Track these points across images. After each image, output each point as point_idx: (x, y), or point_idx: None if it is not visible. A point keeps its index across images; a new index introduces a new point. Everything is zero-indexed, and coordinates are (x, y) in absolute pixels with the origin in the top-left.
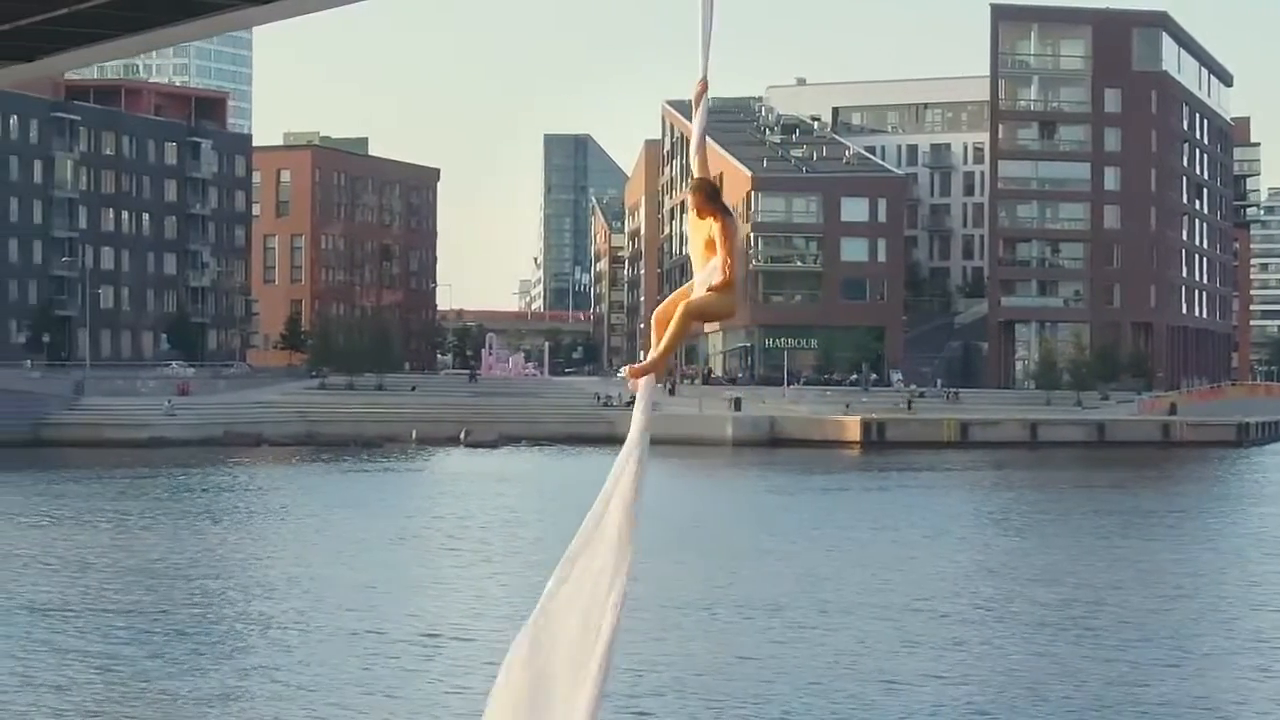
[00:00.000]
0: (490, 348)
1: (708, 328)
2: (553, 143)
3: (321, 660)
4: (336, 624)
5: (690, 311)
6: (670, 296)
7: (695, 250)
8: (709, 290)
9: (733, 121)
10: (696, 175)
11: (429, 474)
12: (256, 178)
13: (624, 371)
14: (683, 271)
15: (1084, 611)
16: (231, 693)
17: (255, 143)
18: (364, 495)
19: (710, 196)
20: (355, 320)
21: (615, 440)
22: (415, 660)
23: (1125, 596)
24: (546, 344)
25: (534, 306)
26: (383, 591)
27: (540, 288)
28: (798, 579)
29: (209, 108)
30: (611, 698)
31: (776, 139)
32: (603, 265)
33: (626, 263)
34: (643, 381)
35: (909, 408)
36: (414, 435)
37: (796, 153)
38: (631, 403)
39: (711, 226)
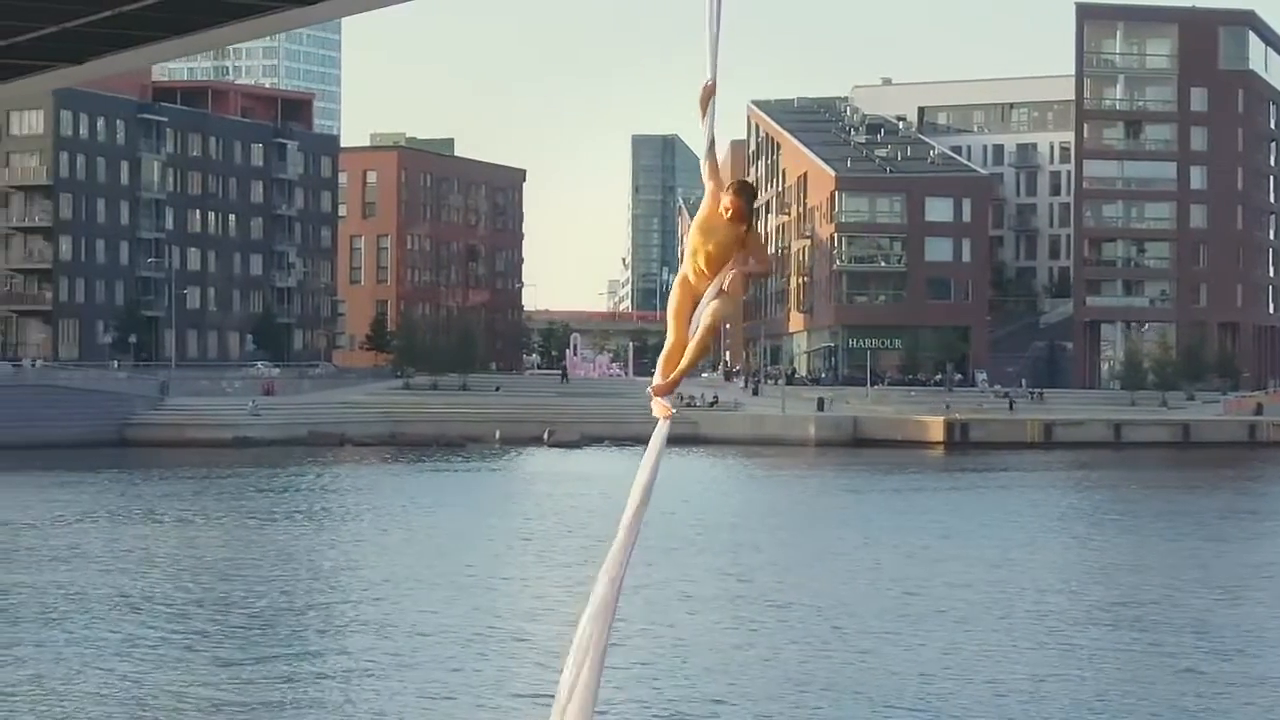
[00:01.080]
0: (575, 348)
1: (793, 327)
2: (640, 143)
3: (407, 660)
4: (419, 623)
5: (716, 323)
6: (677, 290)
7: (707, 250)
8: (748, 275)
9: (818, 121)
10: (710, 179)
11: (510, 474)
12: (343, 178)
13: (650, 390)
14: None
15: (1185, 615)
16: (313, 689)
17: (343, 143)
18: (446, 495)
19: (751, 200)
20: (439, 320)
21: (697, 440)
22: (498, 660)
23: (1231, 600)
24: (631, 344)
25: (622, 306)
26: (464, 591)
27: (628, 288)
28: (877, 580)
29: (295, 109)
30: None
31: (861, 139)
32: None
33: None
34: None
35: (1010, 408)
36: (497, 435)
37: (881, 152)
38: (715, 403)
39: (739, 230)
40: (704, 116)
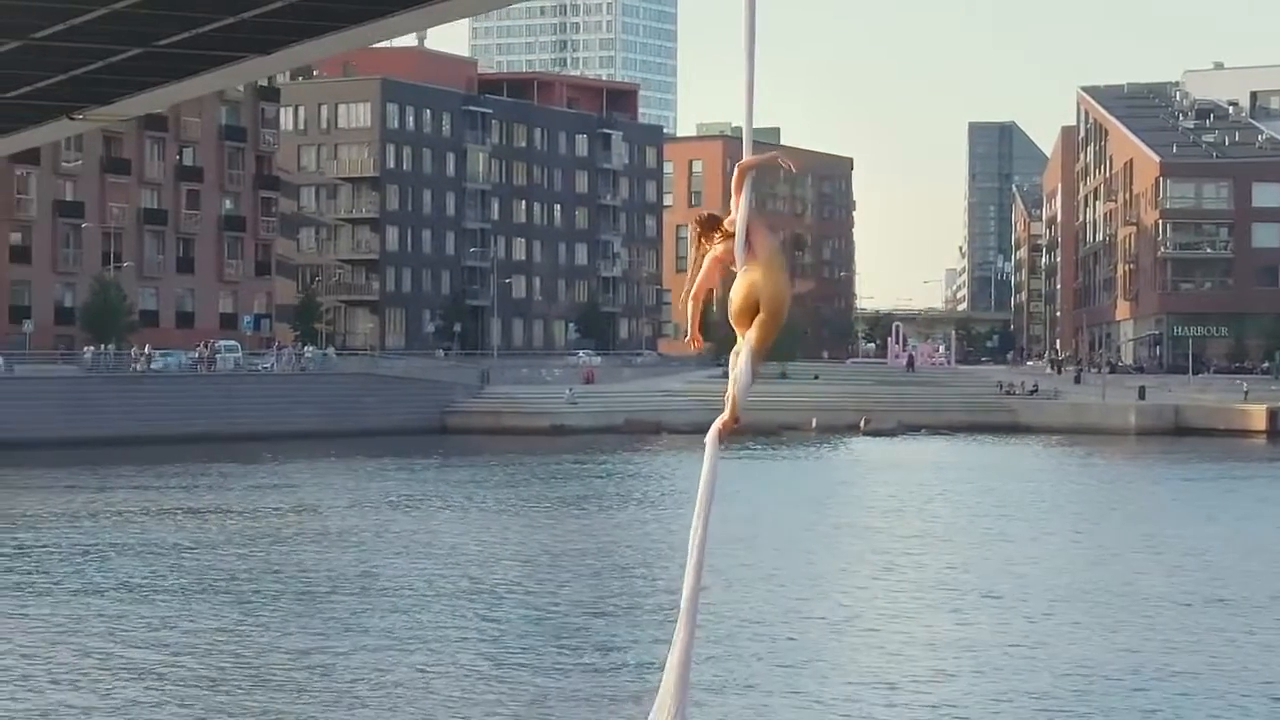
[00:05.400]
0: (898, 336)
1: (1119, 315)
2: (977, 130)
3: (729, 651)
4: (739, 612)
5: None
6: (701, 278)
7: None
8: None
9: (1145, 107)
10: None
11: (824, 461)
12: (668, 168)
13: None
14: (1096, 259)
15: None
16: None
17: (677, 133)
18: (760, 482)
19: (706, 229)
20: None
21: (1017, 429)
22: (829, 651)
23: None
24: (953, 332)
25: (959, 295)
26: (785, 579)
27: (964, 276)
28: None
29: (621, 99)
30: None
31: (1189, 124)
32: (1022, 253)
33: (1044, 250)
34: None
35: None
36: (814, 424)
37: (1208, 138)
38: (1034, 391)
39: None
40: (739, 193)
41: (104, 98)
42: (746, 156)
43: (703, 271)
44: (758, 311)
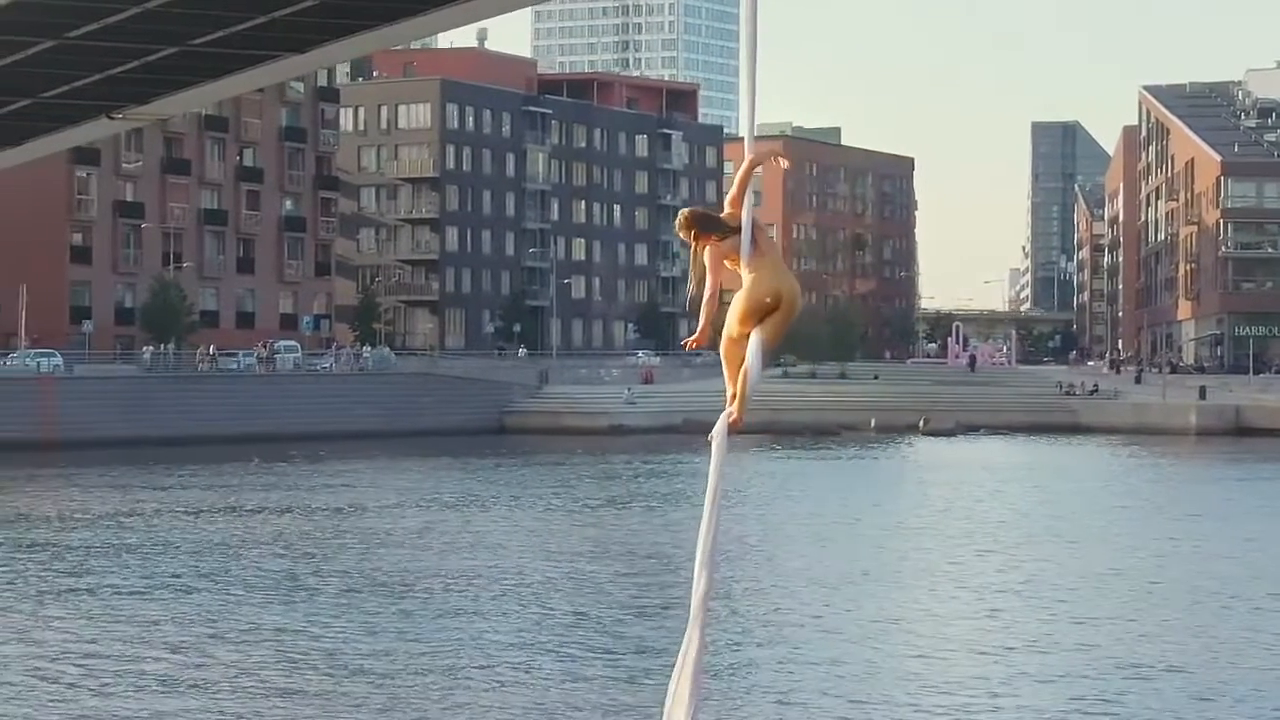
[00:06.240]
0: (958, 336)
1: (1180, 315)
2: (1040, 130)
3: (790, 653)
4: (808, 613)
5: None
6: (713, 278)
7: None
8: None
9: (1207, 106)
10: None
11: (883, 461)
12: (728, 168)
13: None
14: (1157, 259)
15: None
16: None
17: (739, 133)
18: (819, 482)
19: (696, 225)
20: (824, 309)
21: (1078, 429)
22: (894, 656)
23: None
24: (1014, 332)
25: (1023, 295)
26: (849, 580)
27: (1028, 276)
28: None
29: (681, 100)
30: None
31: (1251, 123)
32: (1085, 253)
33: (1106, 250)
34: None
35: None
36: (873, 424)
37: (1270, 137)
38: (1094, 391)
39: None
40: (743, 190)
41: (142, 97)
42: (749, 153)
43: (711, 270)
44: (773, 309)
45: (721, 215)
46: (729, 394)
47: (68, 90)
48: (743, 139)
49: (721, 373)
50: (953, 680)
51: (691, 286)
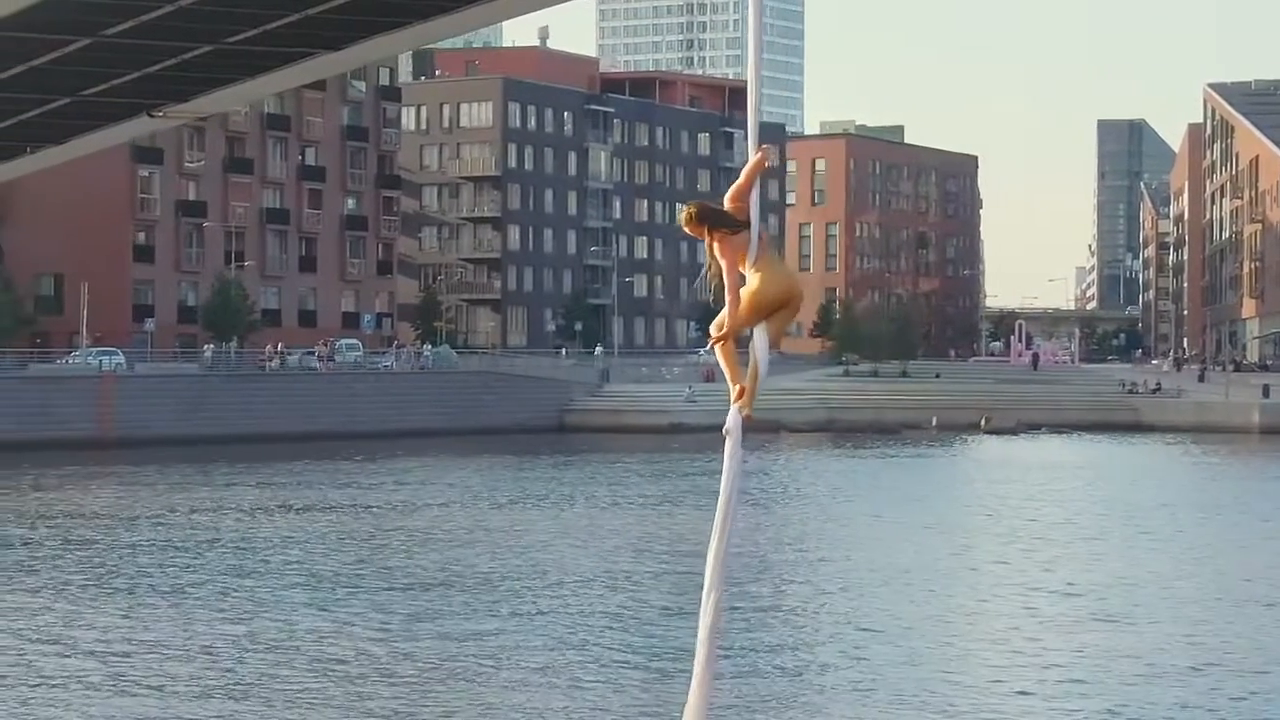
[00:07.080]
0: (1020, 334)
1: (1245, 313)
2: (1105, 128)
3: (860, 655)
4: (865, 610)
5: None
6: (731, 274)
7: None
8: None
9: (1272, 103)
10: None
11: (943, 460)
12: (791, 166)
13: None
14: (1222, 257)
15: None
16: (772, 685)
17: (804, 131)
18: (876, 481)
19: (702, 219)
20: (879, 307)
21: (1140, 428)
22: (948, 654)
23: None
24: (1078, 331)
25: (1089, 293)
26: (912, 577)
27: (1094, 275)
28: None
29: (743, 98)
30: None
31: None
32: (1150, 251)
33: (1172, 248)
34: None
35: None
36: (934, 422)
37: None
38: (1157, 389)
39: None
40: (751, 186)
41: (181, 95)
42: (752, 151)
43: (729, 266)
44: (781, 306)
45: (728, 211)
46: (734, 391)
47: (106, 88)
48: (806, 137)
49: (740, 371)
50: (991, 681)
51: (711, 281)
